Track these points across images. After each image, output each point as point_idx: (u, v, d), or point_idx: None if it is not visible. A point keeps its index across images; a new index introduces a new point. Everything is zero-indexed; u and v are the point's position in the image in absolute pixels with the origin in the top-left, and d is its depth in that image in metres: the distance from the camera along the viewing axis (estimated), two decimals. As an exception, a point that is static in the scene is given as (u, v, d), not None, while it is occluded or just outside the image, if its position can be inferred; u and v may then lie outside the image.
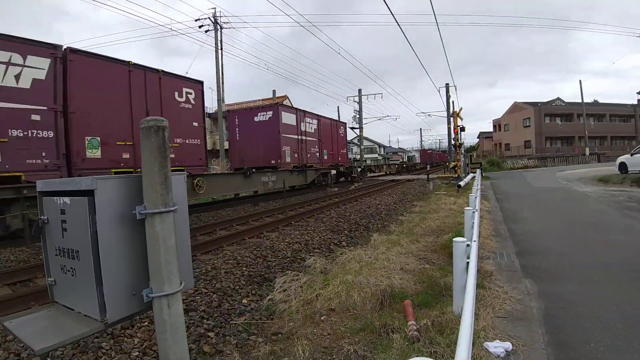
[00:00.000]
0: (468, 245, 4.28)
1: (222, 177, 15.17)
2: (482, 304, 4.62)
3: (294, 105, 32.19)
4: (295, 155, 20.19)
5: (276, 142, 18.78)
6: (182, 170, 11.29)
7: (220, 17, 26.73)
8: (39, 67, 8.75)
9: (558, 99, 63.27)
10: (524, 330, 4.00)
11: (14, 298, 5.41)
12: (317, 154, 22.95)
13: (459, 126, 28.51)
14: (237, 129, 18.77)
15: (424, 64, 19.80)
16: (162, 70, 11.94)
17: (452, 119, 30.69)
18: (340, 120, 28.90)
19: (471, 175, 25.72)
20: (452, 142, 30.86)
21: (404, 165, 57.64)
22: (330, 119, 26.06)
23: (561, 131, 60.11)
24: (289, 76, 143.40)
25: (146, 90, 11.29)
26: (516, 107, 65.80)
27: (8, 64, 8.25)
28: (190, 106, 12.96)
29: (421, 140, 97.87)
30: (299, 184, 21.05)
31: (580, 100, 52.23)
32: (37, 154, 8.72)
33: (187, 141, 12.64)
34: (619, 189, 17.26)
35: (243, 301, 5.39)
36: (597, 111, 61.22)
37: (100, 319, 1.95)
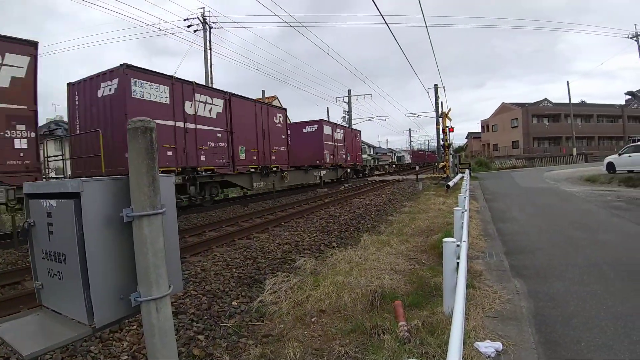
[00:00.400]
0: (458, 245, 4.29)
1: (293, 172, 21.62)
2: (472, 303, 4.63)
3: (283, 105, 38.07)
4: (331, 156, 27.34)
5: (320, 147, 25.69)
6: (277, 168, 19.48)
7: (209, 17, 26.63)
8: (215, 105, 15.25)
9: (546, 99, 63.96)
10: (514, 329, 4.01)
11: (2, 301, 5.32)
12: (344, 155, 30.04)
13: (447, 127, 28.66)
14: (289, 138, 22.86)
15: (413, 65, 19.90)
16: (270, 104, 19.07)
17: (441, 119, 30.84)
18: (338, 123, 30.63)
19: (460, 175, 25.84)
20: (441, 142, 31.01)
21: (394, 165, 57.99)
22: (352, 128, 34.83)
23: (549, 131, 60.73)
24: (279, 76, 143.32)
25: (262, 116, 18.45)
26: (504, 108, 66.39)
27: (211, 104, 15.01)
28: (280, 125, 20.39)
29: (410, 141, 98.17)
30: (333, 178, 28.07)
31: (567, 101, 52.81)
32: (220, 156, 15.22)
33: (279, 148, 20.00)
34: (607, 189, 17.43)
35: (233, 303, 5.36)
36: (585, 112, 61.94)
37: (88, 324, 1.92)
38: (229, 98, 16.02)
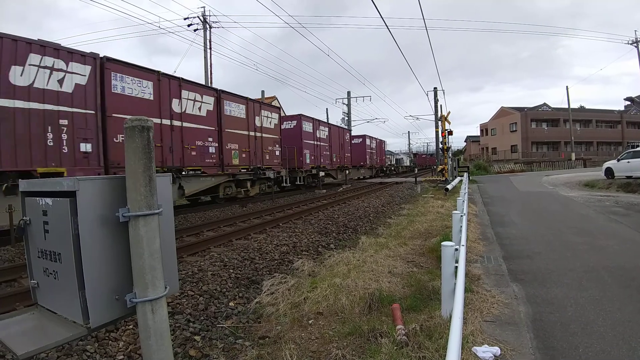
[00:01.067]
0: (456, 249, 4.27)
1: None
2: (470, 308, 4.61)
3: (283, 106, 39.86)
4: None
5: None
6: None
7: (210, 16, 26.60)
8: (205, 102, 14.71)
9: (544, 104, 64.10)
10: (512, 334, 3.99)
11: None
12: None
13: (446, 130, 28.67)
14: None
15: (412, 68, 19.89)
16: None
17: (440, 122, 30.84)
18: (328, 121, 30.74)
19: (458, 178, 25.87)
20: (440, 145, 31.01)
21: (392, 168, 57.76)
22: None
23: (547, 136, 60.81)
24: (278, 77, 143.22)
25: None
26: (503, 112, 66.48)
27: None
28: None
29: (409, 144, 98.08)
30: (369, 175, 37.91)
31: (566, 106, 52.89)
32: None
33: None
34: (606, 194, 17.45)
35: (230, 304, 5.33)
36: (584, 117, 62.07)
37: (83, 324, 1.90)
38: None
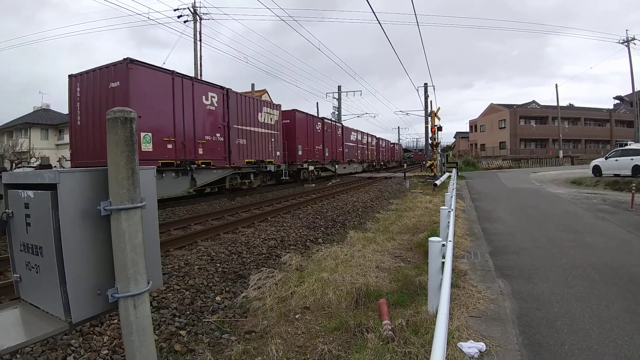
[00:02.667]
0: (443, 245, 4.28)
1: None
2: (456, 303, 4.63)
3: (273, 100, 41.27)
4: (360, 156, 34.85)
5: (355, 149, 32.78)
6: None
7: (200, 7, 26.31)
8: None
9: (533, 101, 64.54)
10: (497, 330, 4.01)
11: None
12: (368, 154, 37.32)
13: (436, 126, 28.75)
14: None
15: (403, 63, 19.88)
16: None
17: (429, 118, 30.91)
18: (319, 116, 29.93)
19: (447, 174, 26.00)
20: (429, 141, 31.11)
21: (382, 163, 57.99)
22: (372, 135, 41.72)
23: (535, 133, 61.30)
24: (269, 70, 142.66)
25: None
26: (492, 109, 66.86)
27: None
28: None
29: (399, 139, 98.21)
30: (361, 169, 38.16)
31: (555, 104, 53.28)
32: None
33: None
34: (593, 192, 17.63)
35: (216, 298, 5.31)
36: (573, 115, 62.59)
37: (65, 319, 1.86)
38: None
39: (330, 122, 30.50)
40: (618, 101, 57.76)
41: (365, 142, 40.58)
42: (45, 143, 48.28)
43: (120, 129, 1.83)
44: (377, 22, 13.35)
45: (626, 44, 40.19)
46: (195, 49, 25.92)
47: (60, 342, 3.95)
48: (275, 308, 4.81)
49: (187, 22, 26.38)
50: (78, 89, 12.35)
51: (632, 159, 19.65)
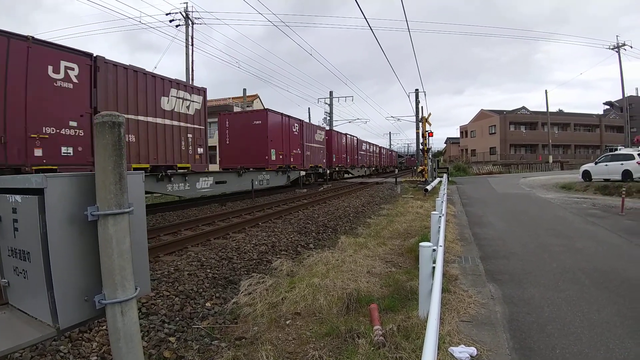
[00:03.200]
0: (434, 250, 4.28)
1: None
2: (447, 308, 4.64)
3: (265, 105, 44.97)
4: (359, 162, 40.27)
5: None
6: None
7: (192, 12, 26.31)
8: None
9: (523, 107, 65.13)
10: (488, 335, 4.01)
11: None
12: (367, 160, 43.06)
13: (427, 131, 28.90)
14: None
15: (395, 70, 19.99)
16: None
17: (421, 124, 31.06)
18: (311, 122, 31.68)
19: (438, 179, 26.10)
20: (420, 146, 31.24)
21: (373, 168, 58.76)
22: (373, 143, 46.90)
23: (525, 139, 61.86)
24: (261, 75, 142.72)
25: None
26: (483, 115, 67.40)
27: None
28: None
29: (390, 144, 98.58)
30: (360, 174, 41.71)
31: (545, 110, 53.81)
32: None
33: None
34: (583, 197, 17.77)
35: (206, 304, 5.27)
36: (562, 120, 63.28)
37: (52, 325, 1.85)
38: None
39: (351, 136, 38.14)
40: (608, 107, 58.47)
41: (371, 150, 48.87)
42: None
43: (108, 134, 1.81)
44: (368, 27, 13.43)
45: (616, 49, 40.68)
46: (187, 53, 25.89)
47: (50, 348, 3.90)
48: (266, 314, 4.78)
49: (179, 27, 26.35)
50: (227, 123, 21.38)
51: (622, 164, 19.81)
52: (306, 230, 10.27)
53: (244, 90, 36.05)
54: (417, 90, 38.87)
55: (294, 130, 23.80)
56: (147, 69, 12.56)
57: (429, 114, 30.35)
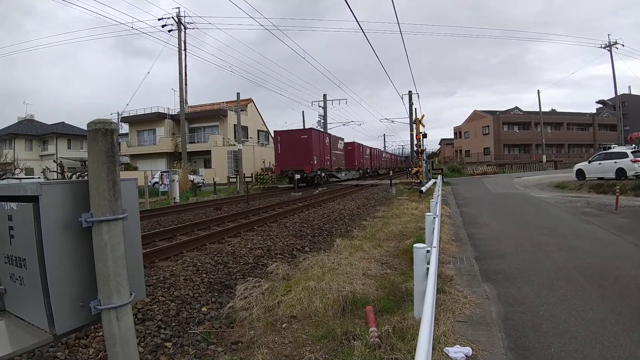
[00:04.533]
0: (428, 251, 4.30)
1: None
2: (442, 308, 4.66)
3: (258, 108, 49.93)
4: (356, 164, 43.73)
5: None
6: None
7: (184, 17, 26.35)
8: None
9: (516, 107, 65.56)
10: (483, 334, 4.04)
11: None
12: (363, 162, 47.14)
13: (421, 133, 28.98)
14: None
15: (387, 72, 20.13)
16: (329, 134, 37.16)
17: (414, 125, 31.17)
18: (312, 127, 36.62)
19: (432, 180, 26.16)
20: (415, 148, 31.33)
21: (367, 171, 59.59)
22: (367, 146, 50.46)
23: (519, 139, 62.22)
24: (254, 79, 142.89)
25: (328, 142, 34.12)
26: (476, 115, 67.73)
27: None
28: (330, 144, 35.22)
29: (384, 146, 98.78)
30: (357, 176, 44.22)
31: (538, 109, 54.14)
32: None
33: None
34: (577, 195, 17.86)
35: (202, 309, 5.26)
36: (555, 120, 63.71)
37: (49, 331, 1.85)
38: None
39: (359, 144, 44.69)
40: (601, 105, 58.94)
41: (375, 153, 55.56)
42: (29, 154, 47.88)
43: (101, 141, 1.83)
44: (360, 30, 13.51)
45: (608, 48, 41.02)
46: (179, 58, 25.92)
47: (47, 355, 3.89)
48: (262, 318, 4.79)
49: (171, 32, 26.37)
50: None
51: (615, 162, 19.85)
52: (302, 234, 10.29)
53: (238, 94, 36.00)
54: (410, 92, 39.07)
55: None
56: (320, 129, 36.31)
57: (423, 116, 30.46)
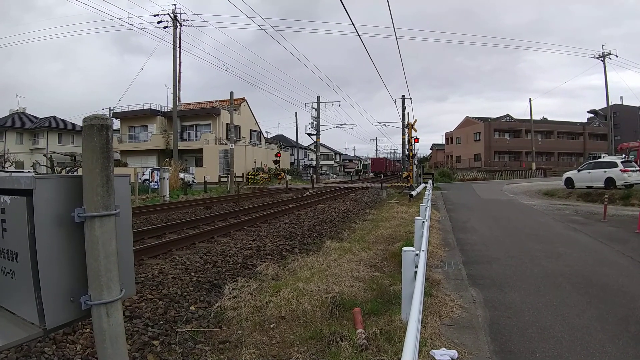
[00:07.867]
0: (417, 254, 4.34)
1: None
2: (430, 311, 4.70)
3: (252, 109, 49.06)
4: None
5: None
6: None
7: (180, 14, 26.25)
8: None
9: (507, 115, 66.03)
10: (469, 338, 4.08)
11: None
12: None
13: (413, 137, 29.13)
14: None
15: (382, 76, 20.23)
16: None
17: (406, 130, 31.31)
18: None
19: (423, 185, 26.30)
20: (406, 152, 31.48)
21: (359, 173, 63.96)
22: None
23: (509, 146, 62.68)
24: (248, 79, 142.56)
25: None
26: (468, 122, 68.15)
27: None
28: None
29: (376, 150, 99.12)
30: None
31: (529, 117, 54.59)
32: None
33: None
34: (565, 203, 18.02)
35: (190, 308, 5.26)
36: (546, 128, 64.30)
37: (39, 325, 1.85)
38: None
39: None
40: (592, 115, 59.60)
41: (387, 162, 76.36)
42: (20, 147, 47.39)
43: (97, 136, 1.83)
44: (356, 34, 13.57)
45: (601, 58, 41.35)
46: (174, 55, 25.82)
47: (34, 350, 3.88)
48: (250, 318, 4.80)
49: (166, 28, 26.26)
50: (371, 160, 74.83)
51: (605, 171, 20.02)
52: (291, 235, 10.30)
53: (231, 93, 35.94)
54: (403, 96, 39.29)
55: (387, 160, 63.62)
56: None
57: (415, 120, 30.65)
